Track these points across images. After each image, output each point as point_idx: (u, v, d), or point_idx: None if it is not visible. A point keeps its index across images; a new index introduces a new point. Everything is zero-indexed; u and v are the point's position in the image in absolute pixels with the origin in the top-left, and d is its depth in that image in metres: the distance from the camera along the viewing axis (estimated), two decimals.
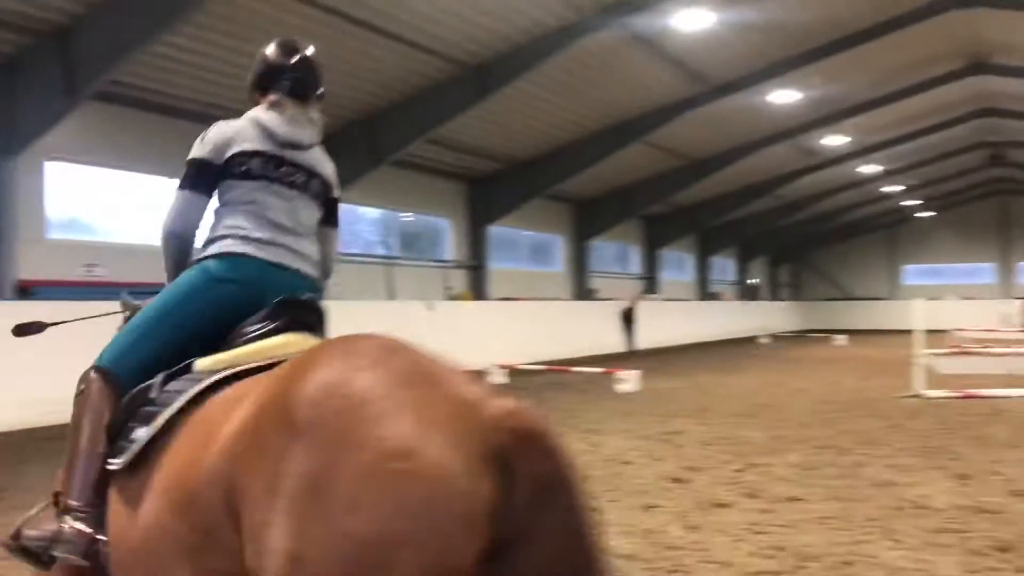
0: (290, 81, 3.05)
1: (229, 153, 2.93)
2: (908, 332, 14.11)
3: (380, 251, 21.92)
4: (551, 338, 23.34)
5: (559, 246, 29.41)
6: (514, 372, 17.48)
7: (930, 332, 15.39)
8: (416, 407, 1.74)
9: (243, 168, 2.92)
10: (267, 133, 2.96)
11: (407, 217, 22.97)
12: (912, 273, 47.97)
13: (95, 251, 14.90)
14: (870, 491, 6.86)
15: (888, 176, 34.99)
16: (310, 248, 3.00)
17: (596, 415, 11.79)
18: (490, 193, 24.11)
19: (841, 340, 30.66)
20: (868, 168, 33.29)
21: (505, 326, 21.68)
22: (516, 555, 1.71)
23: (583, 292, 29.29)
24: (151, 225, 16.20)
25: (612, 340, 26.62)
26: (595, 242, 30.25)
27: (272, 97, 3.04)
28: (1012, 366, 14.21)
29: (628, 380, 14.94)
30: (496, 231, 25.52)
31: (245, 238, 2.84)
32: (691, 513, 6.22)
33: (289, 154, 2.97)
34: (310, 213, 3.05)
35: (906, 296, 44.76)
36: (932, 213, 45.51)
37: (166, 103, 15.48)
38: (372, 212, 21.97)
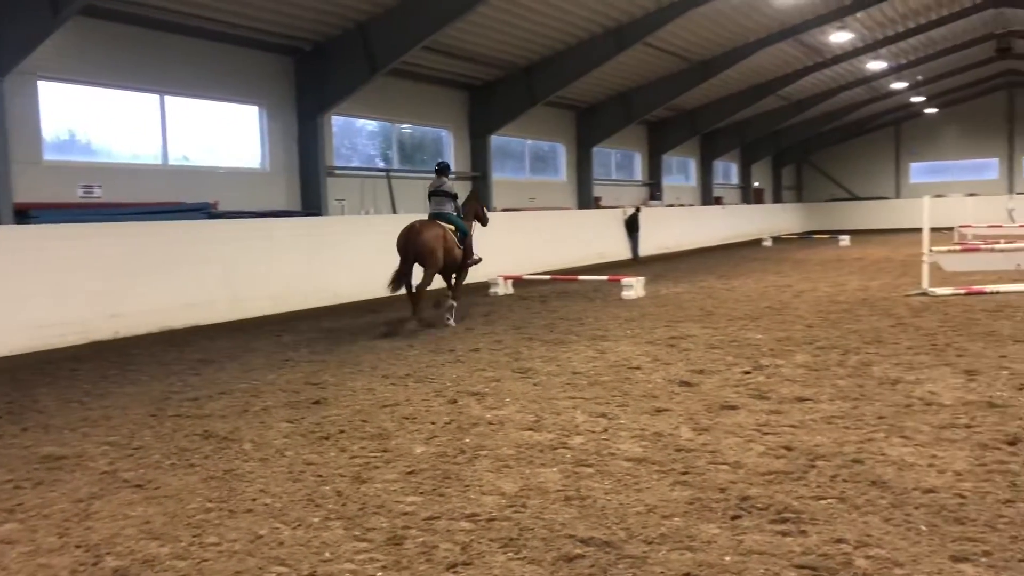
0: (438, 166, 12.79)
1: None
2: (913, 231, 14.01)
3: (380, 164, 21.66)
4: (556, 247, 23.28)
5: (561, 154, 29.06)
6: (519, 283, 17.50)
7: (935, 230, 15.32)
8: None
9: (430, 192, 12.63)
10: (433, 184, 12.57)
11: (405, 128, 22.63)
12: (917, 171, 47.50)
13: (93, 172, 14.73)
14: (878, 389, 6.90)
15: (893, 72, 34.28)
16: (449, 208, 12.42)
17: (603, 322, 11.83)
18: (490, 101, 23.67)
19: (846, 240, 30.57)
20: (873, 64, 32.58)
21: (509, 237, 21.57)
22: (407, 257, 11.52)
23: (586, 200, 29.08)
24: (150, 144, 16.00)
25: (617, 247, 26.58)
26: (598, 149, 29.88)
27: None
28: (1018, 260, 14.15)
29: (633, 287, 14.95)
30: (497, 140, 25.17)
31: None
32: (700, 416, 6.27)
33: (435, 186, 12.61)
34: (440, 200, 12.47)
35: (912, 194, 44.56)
36: (936, 110, 44.78)
37: (161, 18, 15.08)
38: (370, 124, 21.63)
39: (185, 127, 16.51)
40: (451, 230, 12.20)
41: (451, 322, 12.10)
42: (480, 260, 13.23)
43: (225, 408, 7.20)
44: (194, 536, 4.27)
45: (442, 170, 12.72)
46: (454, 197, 12.67)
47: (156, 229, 13.38)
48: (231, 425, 6.56)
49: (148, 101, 15.77)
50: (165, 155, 16.02)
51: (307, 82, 18.13)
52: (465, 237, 12.63)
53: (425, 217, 12.47)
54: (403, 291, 11.77)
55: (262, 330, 12.48)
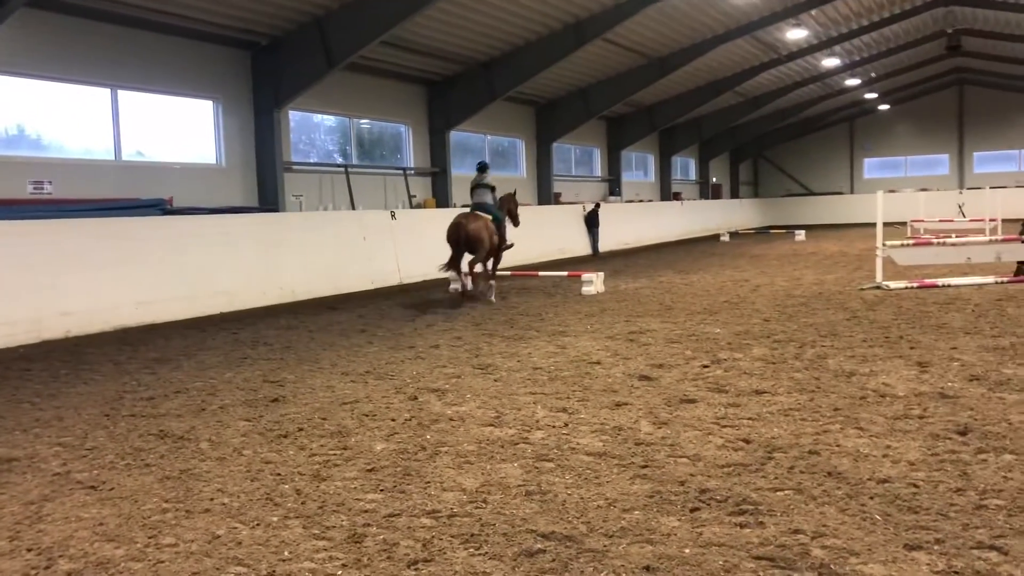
0: (480, 165, 15.05)
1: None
2: (867, 225, 14.25)
3: (338, 159, 21.49)
4: (516, 243, 23.26)
5: (521, 150, 29.08)
6: (479, 278, 17.46)
7: (889, 224, 15.60)
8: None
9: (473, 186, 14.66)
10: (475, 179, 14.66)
11: (364, 123, 22.47)
12: (871, 166, 48.34)
13: (43, 167, 14.44)
14: (834, 382, 7.01)
15: (847, 69, 34.84)
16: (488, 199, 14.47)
17: (563, 318, 11.86)
18: (450, 97, 23.62)
19: (801, 235, 31.01)
20: (828, 61, 33.10)
21: None
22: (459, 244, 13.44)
23: (547, 196, 29.13)
24: (102, 139, 15.70)
25: (577, 243, 26.69)
26: (557, 145, 29.95)
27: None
28: (969, 254, 14.46)
29: (593, 282, 15.01)
30: (457, 136, 25.13)
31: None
32: (660, 409, 6.31)
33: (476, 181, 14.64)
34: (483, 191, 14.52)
35: (865, 190, 45.33)
36: (889, 106, 45.60)
37: (112, 10, 14.81)
38: (329, 119, 21.45)
39: (139, 122, 16.24)
40: (489, 219, 14.04)
41: (492, 298, 14.14)
42: (512, 245, 15.27)
43: (181, 407, 7.10)
44: (150, 537, 4.20)
45: (483, 168, 15.00)
46: (493, 189, 14.77)
47: (109, 225, 13.13)
48: (187, 424, 6.47)
49: (99, 95, 15.49)
50: (118, 150, 15.75)
51: (263, 76, 17.93)
52: (500, 225, 14.51)
53: (462, 210, 14.91)
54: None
55: (219, 328, 12.31)
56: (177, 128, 17.07)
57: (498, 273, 15.19)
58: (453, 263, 13.70)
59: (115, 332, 12.21)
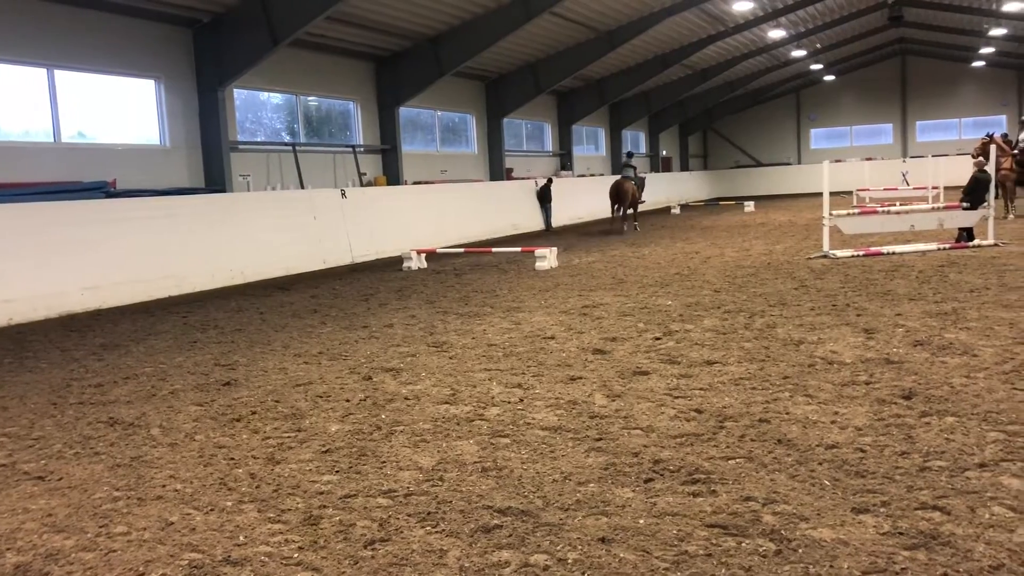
0: (628, 154, 25.32)
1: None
2: (814, 195, 14.47)
3: (286, 137, 21.18)
4: (469, 220, 23.24)
5: (472, 125, 28.93)
6: (433, 256, 17.42)
7: (835, 194, 15.84)
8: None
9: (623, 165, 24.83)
10: (624, 164, 24.93)
11: (312, 101, 22.15)
12: (817, 137, 49.01)
13: None
14: (783, 350, 7.13)
15: (793, 40, 35.17)
16: (631, 174, 23.92)
17: (517, 293, 11.88)
18: (398, 72, 23.36)
19: (751, 206, 31.37)
20: (774, 33, 33.37)
21: (421, 210, 21.44)
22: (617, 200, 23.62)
23: (498, 172, 29.05)
24: (40, 120, 15.26)
25: (530, 218, 26.69)
26: (508, 120, 29.83)
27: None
28: (912, 222, 14.77)
29: (547, 257, 15.05)
30: (407, 112, 24.90)
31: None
32: (614, 382, 6.37)
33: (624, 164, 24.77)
34: (627, 171, 24.05)
35: (812, 160, 45.95)
36: (834, 77, 46.19)
37: None
38: (275, 97, 21.10)
39: (79, 103, 15.81)
40: (633, 184, 23.44)
41: (637, 229, 24.00)
42: (645, 201, 26.56)
43: (131, 393, 6.98)
44: (101, 526, 4.14)
45: (630, 155, 24.88)
46: (635, 168, 24.28)
47: (50, 209, 12.81)
48: (137, 411, 6.37)
49: (36, 75, 15.04)
50: (57, 132, 15.33)
51: (206, 54, 17.55)
52: (641, 189, 24.61)
53: (618, 177, 24.33)
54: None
55: (168, 312, 12.12)
56: (119, 108, 16.65)
57: (454, 250, 15.22)
58: (616, 209, 23.73)
59: (60, 319, 11.95)
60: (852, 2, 31.89)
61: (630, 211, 23.76)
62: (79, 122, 15.95)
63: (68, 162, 15.21)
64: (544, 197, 27.17)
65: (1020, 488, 3.94)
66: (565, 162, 34.35)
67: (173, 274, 14.13)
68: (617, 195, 23.23)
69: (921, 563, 3.28)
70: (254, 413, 6.09)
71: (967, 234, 14.51)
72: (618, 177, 24.03)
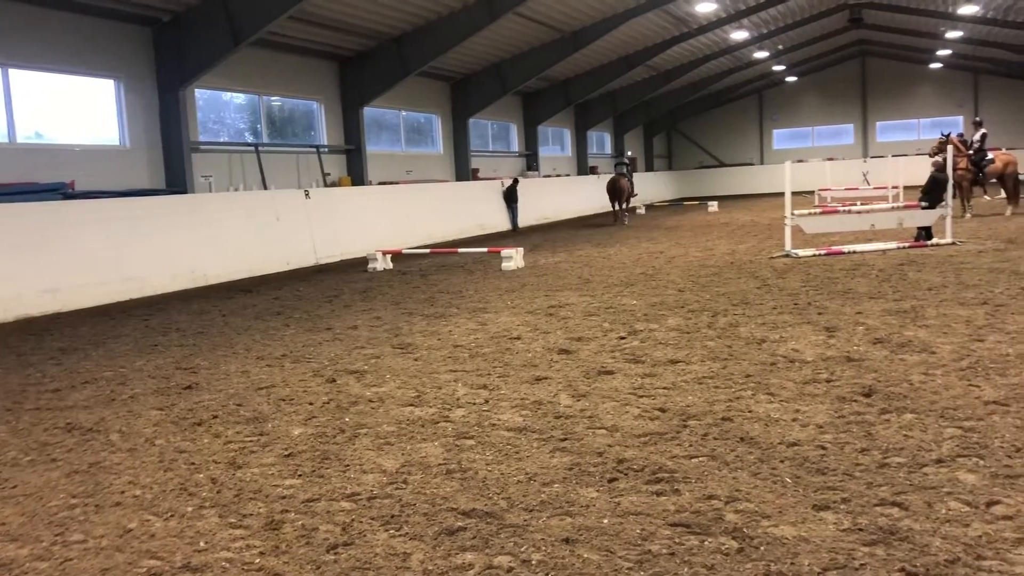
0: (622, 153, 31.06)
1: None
2: (777, 195, 14.62)
3: (249, 138, 20.97)
4: (435, 220, 23.18)
5: (437, 126, 28.85)
6: (398, 257, 17.34)
7: (797, 194, 16.02)
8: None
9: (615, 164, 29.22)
10: (616, 161, 29.63)
11: (275, 101, 21.96)
12: (780, 137, 49.54)
13: None
14: (745, 349, 7.19)
15: (755, 42, 35.52)
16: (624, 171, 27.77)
17: (483, 294, 11.87)
18: (362, 72, 23.23)
19: (714, 206, 31.63)
20: (736, 34, 33.68)
21: (386, 211, 21.35)
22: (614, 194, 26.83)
23: (464, 172, 29.00)
24: None
25: (496, 219, 26.68)
26: (474, 120, 29.80)
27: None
28: (873, 221, 14.98)
29: (513, 257, 15.05)
30: (372, 112, 24.77)
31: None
32: (579, 382, 6.38)
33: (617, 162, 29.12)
34: (620, 168, 27.98)
35: (775, 160, 46.43)
36: (796, 78, 46.73)
37: None
38: (238, 97, 20.88)
39: (36, 102, 15.52)
40: (626, 179, 26.71)
41: (628, 223, 26.25)
42: (637, 195, 29.03)
43: (89, 398, 6.86)
44: (56, 535, 4.06)
45: (622, 152, 27.09)
46: (628, 164, 27.91)
47: (6, 211, 12.57)
48: (96, 416, 6.26)
49: None
50: (12, 132, 15.04)
51: (167, 54, 17.32)
52: (632, 185, 27.46)
53: (612, 175, 27.68)
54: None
55: (128, 315, 11.94)
56: (77, 109, 16.38)
57: (420, 251, 15.18)
58: (613, 204, 26.78)
59: (17, 322, 11.73)
60: (813, 4, 32.28)
61: (625, 204, 27.15)
62: (36, 122, 15.66)
63: (24, 163, 14.93)
64: (511, 197, 27.19)
65: (975, 483, 4.01)
66: (531, 162, 34.40)
67: (134, 276, 13.92)
68: (614, 190, 26.46)
69: (880, 559, 3.31)
70: (216, 417, 6.02)
71: (926, 233, 14.75)
72: (612, 175, 27.46)
